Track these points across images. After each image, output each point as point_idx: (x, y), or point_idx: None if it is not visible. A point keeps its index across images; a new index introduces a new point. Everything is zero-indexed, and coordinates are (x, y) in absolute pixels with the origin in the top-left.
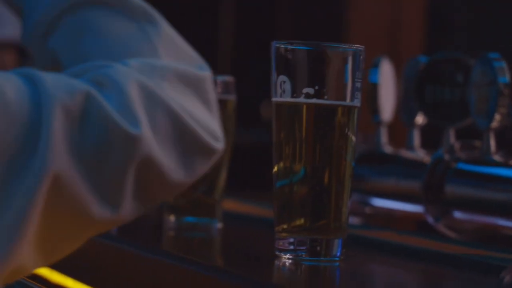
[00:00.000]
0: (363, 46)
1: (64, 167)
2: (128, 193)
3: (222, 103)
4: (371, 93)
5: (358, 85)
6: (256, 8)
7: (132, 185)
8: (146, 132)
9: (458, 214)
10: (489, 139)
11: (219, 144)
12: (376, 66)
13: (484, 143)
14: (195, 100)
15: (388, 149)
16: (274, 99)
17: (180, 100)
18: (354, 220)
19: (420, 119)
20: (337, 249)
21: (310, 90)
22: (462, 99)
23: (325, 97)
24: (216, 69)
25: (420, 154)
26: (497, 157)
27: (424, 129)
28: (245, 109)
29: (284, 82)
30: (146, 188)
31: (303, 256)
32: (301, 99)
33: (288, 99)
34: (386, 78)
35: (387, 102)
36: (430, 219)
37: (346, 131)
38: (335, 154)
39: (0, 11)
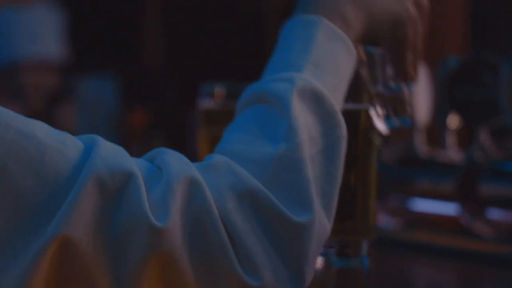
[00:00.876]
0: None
1: (80, 236)
2: (143, 282)
3: None
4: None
5: (380, 89)
6: None
7: (148, 276)
8: (172, 227)
9: (492, 213)
10: None
11: (255, 283)
12: None
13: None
14: (261, 234)
15: (423, 152)
16: None
17: (233, 220)
18: (393, 221)
19: (453, 120)
20: (365, 250)
21: None
22: (493, 99)
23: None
24: None
25: (455, 155)
26: None
27: (460, 130)
28: None
29: None
30: (162, 283)
31: (333, 258)
32: None
33: None
34: (420, 81)
35: (422, 105)
36: (464, 219)
37: (370, 134)
38: (360, 157)
39: (42, 31)
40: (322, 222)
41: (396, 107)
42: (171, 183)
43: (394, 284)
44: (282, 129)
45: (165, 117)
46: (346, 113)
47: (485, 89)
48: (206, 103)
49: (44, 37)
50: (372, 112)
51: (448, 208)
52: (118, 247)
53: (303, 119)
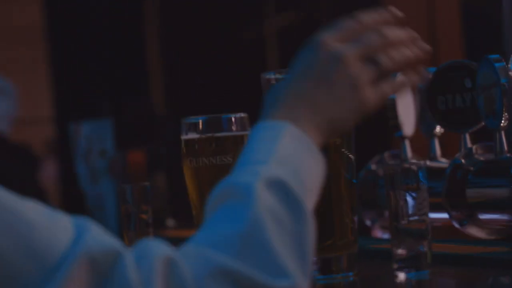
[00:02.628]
0: None
1: None
2: None
3: (239, 139)
4: (390, 109)
5: None
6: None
7: None
8: None
9: (482, 216)
10: (502, 139)
11: None
12: None
13: (497, 144)
14: None
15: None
16: None
17: None
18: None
19: (438, 128)
20: (348, 264)
21: None
22: (473, 104)
23: None
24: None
25: (443, 163)
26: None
27: (445, 137)
28: None
29: None
30: None
31: (317, 275)
32: None
33: None
34: (404, 93)
35: (408, 116)
36: (456, 224)
37: (342, 150)
38: (334, 174)
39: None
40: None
41: None
42: (154, 263)
43: None
44: (246, 215)
45: (162, 157)
46: None
47: (465, 95)
48: (188, 136)
49: None
50: None
51: (439, 215)
52: None
53: (268, 206)
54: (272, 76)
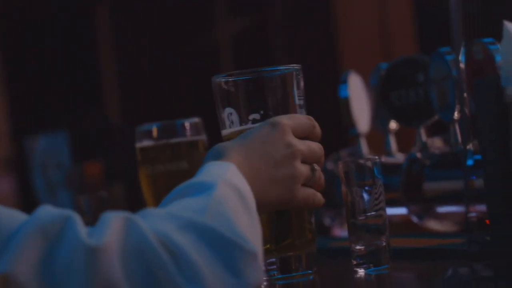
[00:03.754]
0: (300, 65)
1: (23, 274)
2: None
3: (194, 144)
4: (344, 108)
5: (301, 102)
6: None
7: None
8: (108, 247)
9: (440, 209)
10: (456, 131)
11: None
12: (344, 81)
13: (452, 136)
14: (208, 254)
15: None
16: (224, 132)
17: (173, 240)
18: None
19: (393, 124)
20: (308, 263)
21: (256, 116)
22: (426, 98)
23: None
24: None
25: (399, 158)
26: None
27: (400, 132)
28: None
29: (231, 113)
30: None
31: (276, 275)
32: (249, 125)
33: (237, 128)
34: (356, 90)
35: (362, 114)
36: (414, 218)
37: None
38: None
39: None
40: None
41: None
42: (109, 219)
43: None
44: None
45: (119, 166)
46: None
47: (418, 89)
48: (143, 144)
49: None
50: None
51: (397, 210)
52: (61, 279)
53: (227, 194)
54: (223, 79)
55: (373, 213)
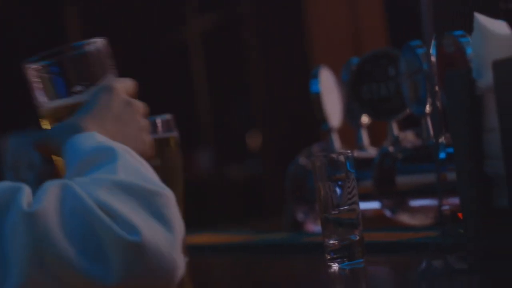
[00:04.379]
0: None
1: None
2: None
3: (165, 141)
4: (315, 103)
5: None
6: (223, 30)
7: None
8: (44, 211)
9: (413, 202)
10: (427, 124)
11: (136, 237)
12: (315, 76)
13: (424, 129)
14: (137, 207)
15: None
16: (49, 104)
17: (106, 201)
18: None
19: (364, 118)
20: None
21: (81, 88)
22: (398, 92)
23: None
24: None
25: (371, 152)
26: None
27: (372, 126)
28: (230, 142)
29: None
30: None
31: None
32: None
33: (64, 101)
34: (328, 86)
35: (333, 109)
36: (387, 213)
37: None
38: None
39: None
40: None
41: None
42: (46, 188)
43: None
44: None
45: None
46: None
47: (389, 83)
48: None
49: None
50: None
51: (369, 204)
52: (9, 242)
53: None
54: (35, 65)
55: (346, 207)
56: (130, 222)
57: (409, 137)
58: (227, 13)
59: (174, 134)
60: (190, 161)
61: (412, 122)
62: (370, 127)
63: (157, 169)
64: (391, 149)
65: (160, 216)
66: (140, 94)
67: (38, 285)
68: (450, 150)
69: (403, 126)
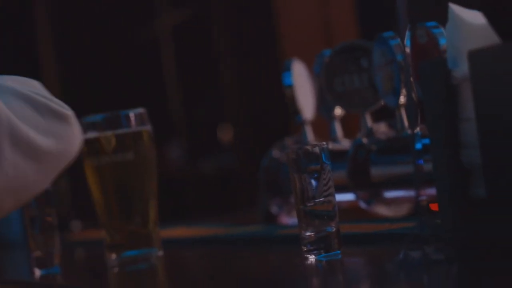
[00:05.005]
0: None
1: None
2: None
3: (139, 135)
4: (288, 96)
5: None
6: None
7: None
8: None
9: (387, 194)
10: (401, 116)
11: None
12: (287, 69)
13: (397, 121)
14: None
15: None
16: None
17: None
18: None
19: (338, 110)
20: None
21: None
22: (371, 83)
23: None
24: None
25: (345, 144)
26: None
27: (346, 118)
28: (202, 136)
29: None
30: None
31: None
32: None
33: None
34: (300, 78)
35: (306, 101)
36: (362, 204)
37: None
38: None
39: None
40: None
41: None
42: None
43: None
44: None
45: None
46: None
47: (361, 74)
48: (88, 135)
49: None
50: None
51: (344, 196)
52: None
53: None
54: None
55: (322, 199)
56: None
57: (382, 129)
58: (197, 8)
59: (147, 127)
60: (162, 155)
61: (385, 114)
62: (343, 119)
63: (131, 163)
64: (364, 140)
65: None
66: (112, 89)
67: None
68: (426, 141)
69: (376, 118)
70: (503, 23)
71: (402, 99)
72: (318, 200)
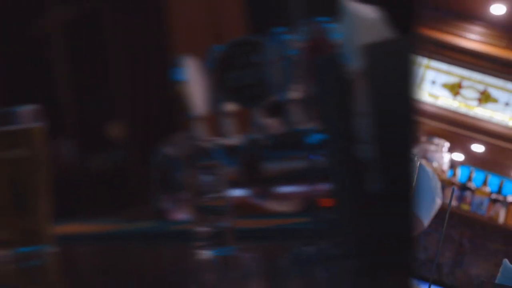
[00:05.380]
0: None
1: None
2: None
3: (32, 131)
4: (179, 92)
5: None
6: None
7: None
8: None
9: (280, 189)
10: (293, 111)
11: None
12: (178, 65)
13: (288, 116)
14: None
15: (205, 140)
16: None
17: None
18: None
19: (230, 106)
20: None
21: None
22: (262, 79)
23: None
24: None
25: (237, 140)
26: (305, 126)
27: (239, 113)
28: (94, 133)
29: None
30: None
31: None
32: None
33: None
34: (191, 74)
35: (198, 97)
36: (255, 199)
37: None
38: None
39: None
40: None
41: None
42: None
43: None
44: None
45: None
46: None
47: (253, 70)
48: None
49: None
50: None
51: (236, 192)
52: None
53: None
54: None
55: (215, 194)
56: None
57: (274, 124)
58: (88, 3)
59: (40, 124)
60: (52, 152)
61: (277, 109)
62: (236, 115)
63: (24, 159)
64: (256, 136)
65: None
66: (2, 85)
67: None
68: (320, 136)
69: (268, 113)
70: (399, 17)
71: (294, 94)
72: (211, 195)
